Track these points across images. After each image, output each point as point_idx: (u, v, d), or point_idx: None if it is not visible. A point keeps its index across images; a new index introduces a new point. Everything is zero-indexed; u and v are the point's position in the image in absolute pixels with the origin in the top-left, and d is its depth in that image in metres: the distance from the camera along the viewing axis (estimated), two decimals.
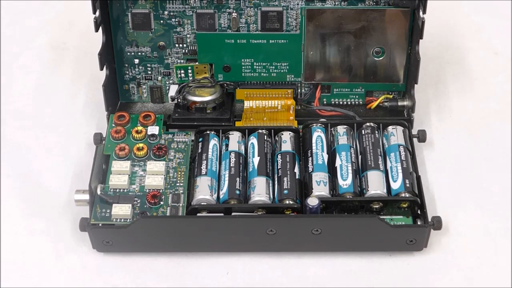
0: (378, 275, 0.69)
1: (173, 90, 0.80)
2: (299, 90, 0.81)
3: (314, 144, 0.74)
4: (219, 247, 0.70)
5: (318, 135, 0.74)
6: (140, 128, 0.76)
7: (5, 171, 0.78)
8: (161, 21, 0.78)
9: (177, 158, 0.75)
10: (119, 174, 0.72)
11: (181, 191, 0.72)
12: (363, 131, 0.75)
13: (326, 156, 0.73)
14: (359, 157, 0.74)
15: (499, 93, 0.86)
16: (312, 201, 0.68)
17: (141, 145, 0.75)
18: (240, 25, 0.78)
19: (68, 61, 0.91)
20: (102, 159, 0.74)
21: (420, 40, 0.75)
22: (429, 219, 0.69)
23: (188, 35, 0.79)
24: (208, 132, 0.75)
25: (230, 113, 0.80)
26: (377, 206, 0.70)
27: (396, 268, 0.70)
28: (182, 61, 0.81)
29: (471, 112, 0.84)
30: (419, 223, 0.70)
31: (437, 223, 0.69)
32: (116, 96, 0.82)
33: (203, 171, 0.71)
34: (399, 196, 0.70)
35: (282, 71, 0.80)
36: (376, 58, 0.79)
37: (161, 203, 0.71)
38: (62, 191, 0.76)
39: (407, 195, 0.70)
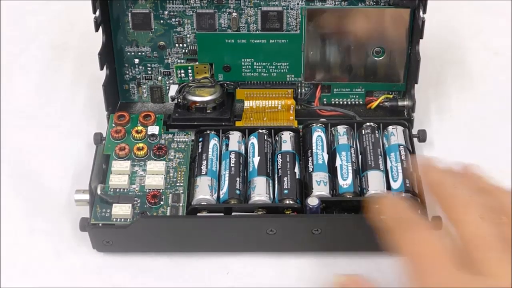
0: (378, 275, 0.69)
1: (173, 90, 0.80)
2: (299, 90, 0.81)
3: (314, 144, 0.74)
4: (219, 247, 0.70)
5: (318, 135, 0.74)
6: (140, 128, 0.76)
7: (5, 171, 0.78)
8: (161, 21, 0.78)
9: (177, 158, 0.75)
10: (119, 174, 0.72)
11: (181, 191, 0.72)
12: (363, 131, 0.75)
13: (326, 156, 0.73)
14: (359, 157, 0.73)
15: (499, 93, 0.86)
16: (312, 201, 0.68)
17: (141, 145, 0.75)
18: (240, 25, 0.78)
19: (68, 61, 0.91)
20: (102, 159, 0.74)
21: (420, 40, 0.75)
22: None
23: (188, 35, 0.79)
24: (208, 132, 0.75)
25: (230, 113, 0.80)
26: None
27: (396, 268, 0.70)
28: (182, 61, 0.81)
29: (471, 112, 0.84)
30: None
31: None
32: (116, 96, 0.82)
33: (203, 171, 0.71)
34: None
35: (282, 71, 0.80)
36: (376, 58, 0.79)
37: (161, 203, 0.71)
38: (62, 191, 0.76)
39: (408, 195, 0.70)
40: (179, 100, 0.80)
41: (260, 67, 0.80)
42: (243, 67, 0.80)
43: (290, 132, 0.75)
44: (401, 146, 0.73)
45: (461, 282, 0.54)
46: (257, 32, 0.78)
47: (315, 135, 0.74)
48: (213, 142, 0.74)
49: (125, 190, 0.72)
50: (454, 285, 0.54)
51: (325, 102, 0.83)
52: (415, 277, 0.56)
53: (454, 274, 0.55)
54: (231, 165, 0.72)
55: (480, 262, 0.55)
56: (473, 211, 0.58)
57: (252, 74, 0.80)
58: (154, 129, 0.77)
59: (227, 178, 0.71)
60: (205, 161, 0.72)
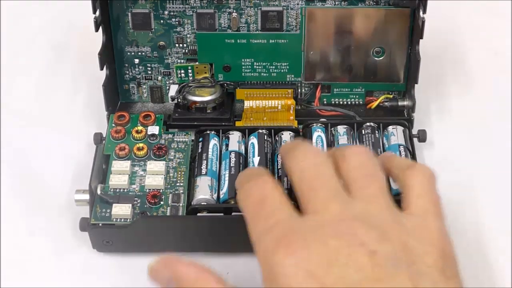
0: None
1: (173, 90, 0.80)
2: (299, 90, 0.81)
3: (314, 144, 0.74)
4: (219, 247, 0.70)
5: (318, 135, 0.74)
6: (140, 128, 0.76)
7: (5, 171, 0.78)
8: (161, 21, 0.78)
9: (177, 158, 0.75)
10: (119, 174, 0.72)
11: (181, 191, 0.72)
12: (363, 131, 0.75)
13: None
14: None
15: (499, 93, 0.86)
16: None
17: (141, 145, 0.75)
18: (240, 25, 0.78)
19: (68, 61, 0.91)
20: (102, 159, 0.74)
21: (420, 40, 0.75)
22: None
23: (188, 35, 0.79)
24: (208, 132, 0.75)
25: (230, 113, 0.80)
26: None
27: None
28: (182, 61, 0.81)
29: (471, 112, 0.84)
30: None
31: None
32: (116, 96, 0.82)
33: (203, 171, 0.71)
34: (399, 196, 0.70)
35: (282, 71, 0.80)
36: (376, 58, 0.79)
37: (161, 203, 0.71)
38: (62, 191, 0.76)
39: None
40: (179, 100, 0.80)
41: (260, 67, 0.80)
42: (243, 67, 0.80)
43: (290, 132, 0.75)
44: (401, 146, 0.73)
45: (298, 222, 0.56)
46: (257, 32, 0.78)
47: (315, 135, 0.74)
48: (213, 142, 0.74)
49: (125, 190, 0.72)
50: (295, 225, 0.55)
51: (325, 102, 0.83)
52: (253, 224, 0.58)
53: (293, 215, 0.56)
54: (231, 165, 0.72)
55: (308, 203, 0.57)
56: (301, 158, 0.60)
57: (252, 74, 0.80)
58: (154, 129, 0.77)
59: (227, 178, 0.71)
60: (205, 161, 0.72)
